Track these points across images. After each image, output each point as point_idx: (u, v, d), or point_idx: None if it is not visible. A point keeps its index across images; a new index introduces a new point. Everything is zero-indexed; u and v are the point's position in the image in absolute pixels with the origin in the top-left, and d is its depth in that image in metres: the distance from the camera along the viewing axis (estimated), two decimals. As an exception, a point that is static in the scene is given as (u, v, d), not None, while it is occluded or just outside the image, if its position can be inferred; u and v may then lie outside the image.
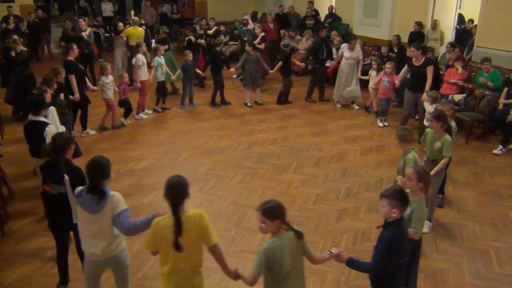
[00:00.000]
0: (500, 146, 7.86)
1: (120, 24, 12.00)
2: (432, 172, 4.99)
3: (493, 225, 5.75)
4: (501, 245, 5.34)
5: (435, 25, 11.40)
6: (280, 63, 10.52)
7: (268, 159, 7.63)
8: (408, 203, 3.39)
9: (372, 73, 9.47)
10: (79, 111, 8.34)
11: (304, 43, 12.71)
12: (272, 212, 3.12)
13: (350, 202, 6.24)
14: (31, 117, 5.43)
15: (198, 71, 10.69)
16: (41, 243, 5.28)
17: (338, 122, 9.47)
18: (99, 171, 3.60)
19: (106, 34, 15.60)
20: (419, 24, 11.65)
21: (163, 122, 9.37)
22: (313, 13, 14.39)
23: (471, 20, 11.76)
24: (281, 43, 10.91)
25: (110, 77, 8.65)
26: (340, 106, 10.42)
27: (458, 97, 8.90)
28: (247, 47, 10.32)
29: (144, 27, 12.23)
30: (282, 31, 13.98)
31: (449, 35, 11.80)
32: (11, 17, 13.37)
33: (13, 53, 9.52)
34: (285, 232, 3.18)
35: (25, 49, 10.11)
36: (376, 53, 11.78)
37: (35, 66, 13.02)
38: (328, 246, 5.21)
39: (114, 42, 12.51)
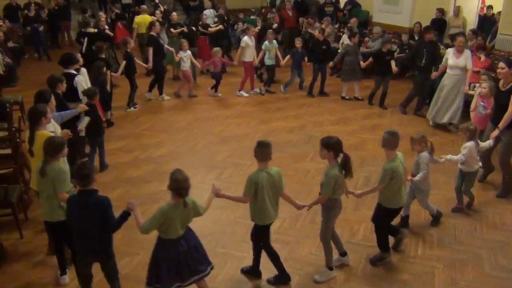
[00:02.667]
0: None
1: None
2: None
3: (514, 216, 5.68)
4: (522, 237, 5.27)
5: (458, 11, 11.16)
6: (371, 59, 9.54)
7: (285, 147, 7.63)
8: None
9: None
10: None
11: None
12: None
13: (368, 191, 6.19)
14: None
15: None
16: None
17: (357, 110, 9.40)
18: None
19: (125, 22, 15.62)
20: (441, 10, 11.43)
21: (182, 109, 9.42)
22: (333, 0, 14.22)
23: (491, 7, 11.46)
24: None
25: (188, 52, 9.94)
26: (433, 125, 8.56)
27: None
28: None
29: (158, 13, 12.15)
30: (300, 19, 13.86)
31: (472, 22, 11.55)
32: (32, 4, 13.52)
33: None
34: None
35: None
36: (397, 41, 11.62)
37: (56, 53, 13.20)
38: (346, 235, 5.23)
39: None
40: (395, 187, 4.49)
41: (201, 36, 11.69)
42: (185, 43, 10.02)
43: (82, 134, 6.37)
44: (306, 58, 10.27)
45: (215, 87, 10.29)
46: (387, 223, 4.79)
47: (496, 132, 5.83)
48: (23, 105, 8.44)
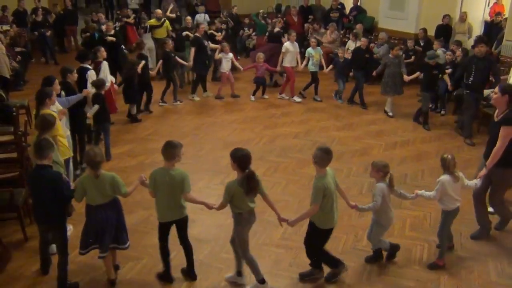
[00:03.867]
0: None
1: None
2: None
3: (520, 223, 5.62)
4: (529, 244, 5.22)
5: (464, 17, 11.15)
6: (418, 73, 8.89)
7: (290, 152, 7.62)
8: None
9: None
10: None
11: (328, 36, 12.60)
12: None
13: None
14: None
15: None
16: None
17: (362, 116, 9.38)
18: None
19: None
20: (447, 17, 11.42)
21: (187, 114, 9.43)
22: (339, 6, 14.25)
23: (499, 13, 11.44)
24: (427, 53, 8.66)
25: (230, 55, 10.25)
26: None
27: (486, 92, 8.67)
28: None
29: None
30: (306, 25, 13.88)
31: (478, 29, 11.52)
32: (40, 9, 13.63)
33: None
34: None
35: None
36: (402, 46, 11.61)
37: (62, 58, 13.31)
38: (351, 241, 5.21)
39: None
40: (327, 205, 4.21)
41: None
42: (226, 46, 10.25)
43: (89, 121, 7.10)
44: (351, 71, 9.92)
45: (254, 92, 10.37)
46: (320, 245, 4.47)
47: (483, 172, 5.01)
48: (30, 109, 8.48)
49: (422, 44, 11.08)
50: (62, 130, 5.54)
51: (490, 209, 5.43)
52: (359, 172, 6.96)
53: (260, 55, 10.32)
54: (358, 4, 14.27)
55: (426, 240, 5.26)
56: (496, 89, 4.97)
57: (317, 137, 8.27)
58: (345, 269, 4.58)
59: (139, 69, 8.72)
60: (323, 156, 4.16)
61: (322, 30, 13.39)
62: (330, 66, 10.32)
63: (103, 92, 7.01)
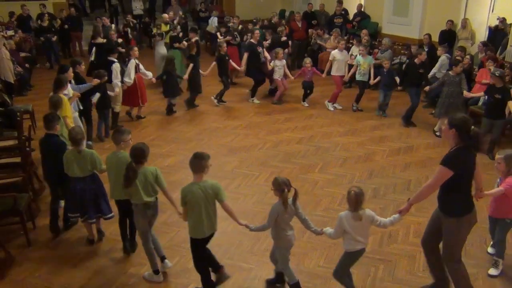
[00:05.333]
0: None
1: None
2: None
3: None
4: (534, 251, 5.17)
5: (465, 24, 11.15)
6: (482, 94, 8.23)
7: (294, 158, 7.61)
8: None
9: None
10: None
11: (332, 42, 12.61)
12: None
13: (377, 203, 6.15)
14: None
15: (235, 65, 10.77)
16: (70, 235, 5.43)
17: (365, 122, 9.36)
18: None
19: (135, 33, 15.75)
20: (452, 22, 11.41)
21: (191, 119, 9.45)
22: (343, 12, 14.27)
23: (504, 19, 11.41)
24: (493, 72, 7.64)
25: (283, 61, 10.25)
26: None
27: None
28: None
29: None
30: (310, 30, 13.91)
31: (482, 34, 11.50)
32: (46, 15, 13.70)
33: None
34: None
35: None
36: (406, 52, 11.60)
37: (67, 63, 13.33)
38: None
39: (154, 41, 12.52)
40: (193, 214, 4.10)
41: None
42: (281, 52, 10.24)
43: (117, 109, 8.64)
44: (397, 80, 9.44)
45: (304, 97, 10.36)
46: (196, 255, 4.32)
47: (404, 207, 4.25)
48: (34, 114, 8.52)
49: (426, 49, 11.05)
50: (70, 112, 6.35)
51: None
52: (362, 178, 6.93)
53: (307, 60, 10.18)
54: (362, 9, 14.30)
55: (430, 247, 5.22)
56: (445, 121, 4.11)
57: (321, 142, 8.25)
58: (225, 278, 4.51)
59: (186, 74, 9.60)
60: (192, 161, 4.09)
61: (326, 35, 13.40)
62: (378, 78, 9.62)
63: (103, 81, 7.84)
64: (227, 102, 10.41)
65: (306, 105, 10.30)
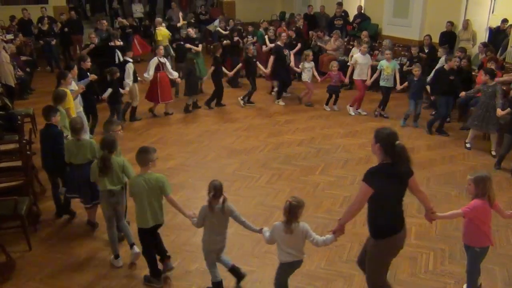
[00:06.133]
0: None
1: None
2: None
3: (527, 231, 5.57)
4: (536, 252, 5.16)
5: (466, 25, 11.15)
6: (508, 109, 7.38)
7: (295, 160, 7.60)
8: None
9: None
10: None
11: (332, 43, 12.62)
12: None
13: (378, 205, 6.12)
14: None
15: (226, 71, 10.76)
16: (71, 239, 5.42)
17: (366, 123, 9.35)
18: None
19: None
20: (451, 23, 11.41)
21: (191, 122, 9.45)
22: (343, 14, 14.28)
23: (506, 20, 11.42)
24: None
25: (312, 63, 10.24)
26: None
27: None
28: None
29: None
30: (310, 32, 13.92)
31: (482, 35, 11.50)
32: (46, 18, 13.72)
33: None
34: None
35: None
36: (406, 53, 11.60)
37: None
38: (355, 249, 5.15)
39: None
40: (138, 204, 4.34)
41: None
42: (310, 54, 10.29)
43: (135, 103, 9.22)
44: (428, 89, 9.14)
45: (327, 100, 10.27)
46: (143, 243, 4.49)
47: (337, 227, 3.99)
48: (35, 118, 8.52)
49: (426, 51, 11.06)
50: (73, 104, 6.73)
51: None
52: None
53: (334, 63, 10.11)
54: (362, 11, 14.32)
55: (431, 248, 5.21)
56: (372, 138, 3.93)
57: (322, 144, 8.25)
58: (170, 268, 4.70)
59: (208, 73, 9.98)
60: (136, 155, 4.33)
61: (326, 37, 13.41)
62: (405, 84, 9.23)
63: (115, 78, 8.36)
64: (255, 104, 10.55)
65: (328, 109, 10.17)
